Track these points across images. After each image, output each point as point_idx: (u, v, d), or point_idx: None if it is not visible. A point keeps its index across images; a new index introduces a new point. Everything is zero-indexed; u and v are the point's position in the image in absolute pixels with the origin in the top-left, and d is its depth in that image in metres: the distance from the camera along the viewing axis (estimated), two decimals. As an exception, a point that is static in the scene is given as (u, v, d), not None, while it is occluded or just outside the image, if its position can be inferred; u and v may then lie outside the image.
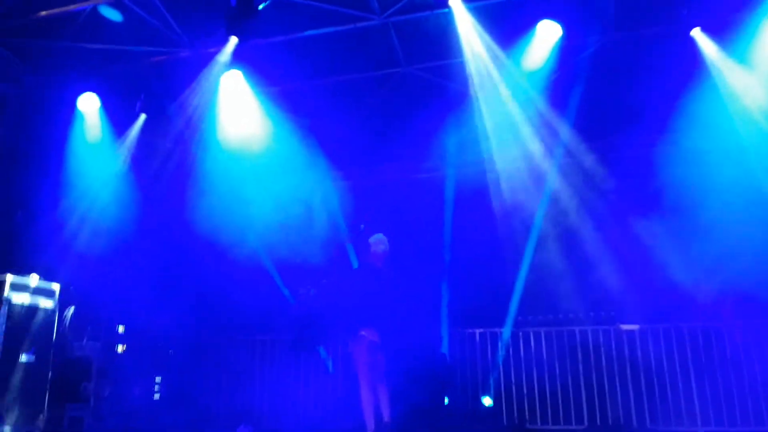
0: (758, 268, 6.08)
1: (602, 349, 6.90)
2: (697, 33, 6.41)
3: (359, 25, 6.45)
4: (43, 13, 6.19)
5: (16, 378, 5.66)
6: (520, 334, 7.23)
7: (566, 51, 6.61)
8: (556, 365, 6.98)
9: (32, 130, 6.88)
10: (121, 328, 6.98)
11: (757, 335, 6.38)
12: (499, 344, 7.22)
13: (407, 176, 8.13)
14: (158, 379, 7.12)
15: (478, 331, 7.36)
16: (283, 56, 6.76)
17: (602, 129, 7.31)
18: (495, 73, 6.75)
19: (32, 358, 5.86)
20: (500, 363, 7.17)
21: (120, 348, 6.94)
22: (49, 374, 5.99)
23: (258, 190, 7.48)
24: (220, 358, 7.35)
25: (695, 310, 6.58)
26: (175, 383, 7.18)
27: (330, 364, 7.40)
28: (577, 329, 7.07)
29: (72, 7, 6.18)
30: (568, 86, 6.94)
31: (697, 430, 6.36)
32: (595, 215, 7.33)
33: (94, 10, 6.27)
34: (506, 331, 7.26)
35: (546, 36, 6.46)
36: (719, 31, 6.32)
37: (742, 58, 6.34)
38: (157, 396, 7.06)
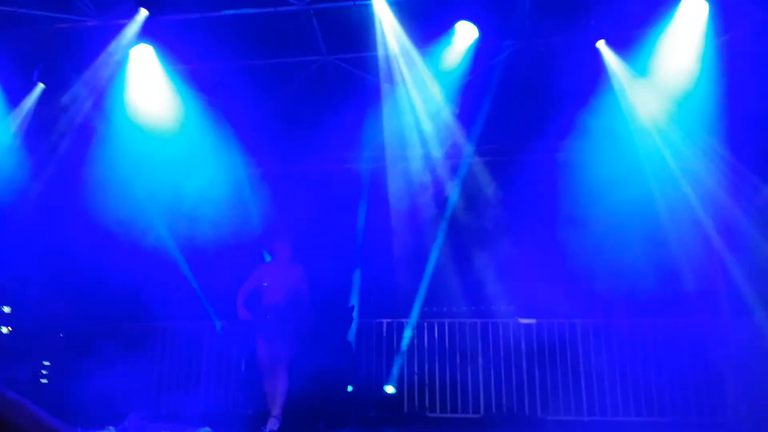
0: (647, 270, 6.59)
1: (501, 341, 7.27)
2: (601, 45, 6.79)
3: (279, 9, 6.35)
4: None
5: None
6: (425, 324, 7.49)
7: (480, 54, 6.81)
8: (457, 355, 7.30)
9: None
10: (6, 309, 6.63)
11: (641, 333, 6.95)
12: (404, 334, 7.44)
13: (322, 167, 8.15)
14: (46, 363, 6.82)
15: (385, 321, 7.54)
16: (198, 35, 6.53)
17: (509, 133, 7.62)
18: (409, 71, 6.86)
19: None
20: (404, 352, 7.40)
21: (5, 329, 6.59)
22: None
23: (164, 172, 7.22)
24: (116, 343, 7.10)
25: (587, 308, 7.06)
26: (65, 368, 6.88)
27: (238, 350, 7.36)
28: (478, 321, 7.41)
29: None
30: (479, 89, 7.16)
31: (583, 419, 6.84)
32: (498, 215, 7.65)
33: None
34: (411, 322, 7.49)
35: (462, 37, 6.62)
36: (622, 45, 6.71)
37: (641, 72, 6.76)
38: (44, 381, 6.76)
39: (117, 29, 6.36)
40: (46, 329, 6.94)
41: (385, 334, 7.51)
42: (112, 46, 6.44)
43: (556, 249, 7.08)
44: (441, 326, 7.45)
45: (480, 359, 7.24)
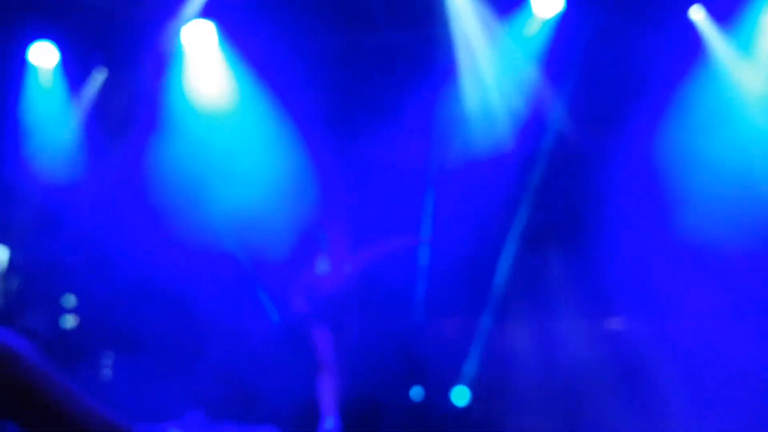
0: (752, 263, 6.05)
1: (587, 345, 6.82)
2: (697, 13, 6.32)
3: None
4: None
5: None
6: (501, 326, 7.12)
7: (564, 27, 6.49)
8: (536, 360, 6.89)
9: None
10: (70, 301, 6.81)
11: (747, 336, 6.24)
12: (479, 337, 7.09)
13: (388, 153, 7.93)
14: (108, 357, 6.93)
15: (456, 320, 7.28)
16: (258, 13, 6.55)
17: (600, 112, 7.19)
18: (486, 46, 6.60)
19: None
20: (478, 357, 7.04)
21: (69, 322, 6.78)
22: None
23: (226, 162, 7.18)
24: (175, 339, 7.13)
25: (684, 308, 6.45)
26: (127, 363, 6.96)
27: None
28: (561, 323, 6.96)
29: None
30: (565, 65, 6.80)
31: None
32: (585, 202, 7.21)
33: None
34: (486, 323, 7.12)
35: (544, 9, 6.35)
36: (721, 15, 6.29)
37: (744, 45, 6.33)
38: (105, 375, 6.86)
39: (177, 9, 6.41)
40: (107, 324, 7.04)
41: (456, 336, 7.22)
42: (172, 27, 6.51)
43: (646, 241, 6.57)
44: (519, 329, 7.14)
45: (564, 365, 6.81)
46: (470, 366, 7.03)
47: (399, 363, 6.87)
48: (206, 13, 6.31)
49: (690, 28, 6.41)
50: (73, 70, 7.00)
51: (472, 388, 6.98)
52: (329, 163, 7.58)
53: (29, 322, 6.56)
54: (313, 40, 6.99)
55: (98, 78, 7.06)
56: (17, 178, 6.78)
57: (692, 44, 6.41)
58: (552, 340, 6.93)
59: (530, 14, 6.42)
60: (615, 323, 7.00)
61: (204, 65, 6.92)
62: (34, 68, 6.84)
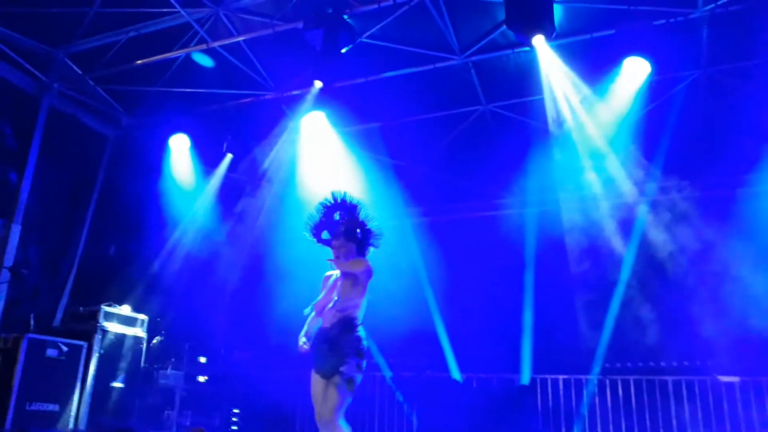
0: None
1: (698, 401, 6.82)
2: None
3: (439, 65, 6.88)
4: (140, 61, 7.03)
5: (108, 401, 6.37)
6: (608, 382, 7.23)
7: (655, 87, 6.78)
8: (647, 416, 6.95)
9: (128, 168, 7.73)
10: (202, 360, 7.57)
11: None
12: (585, 392, 7.25)
13: (487, 213, 8.38)
14: (236, 410, 7.63)
15: (562, 377, 7.42)
16: (364, 97, 7.30)
17: (695, 167, 7.34)
18: (580, 111, 6.95)
19: (122, 383, 6.55)
20: (586, 412, 7.17)
21: (201, 378, 7.50)
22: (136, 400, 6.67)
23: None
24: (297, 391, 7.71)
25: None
26: (252, 416, 7.63)
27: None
28: (669, 379, 7.02)
29: (167, 55, 6.99)
30: (658, 123, 7.07)
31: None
32: (689, 258, 7.28)
33: (188, 57, 7.05)
34: (593, 379, 7.28)
35: (633, 73, 6.59)
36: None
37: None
38: (235, 428, 7.56)
39: (293, 100, 7.27)
40: (235, 379, 7.77)
41: (563, 392, 7.36)
42: (289, 115, 7.36)
43: (760, 296, 6.55)
44: (625, 383, 7.16)
45: (674, 422, 6.85)
46: (580, 419, 7.09)
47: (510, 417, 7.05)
48: (320, 102, 7.03)
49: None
50: (205, 156, 8.01)
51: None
52: (436, 223, 8.04)
53: (168, 378, 7.33)
54: (418, 117, 7.61)
55: (224, 163, 8.01)
56: (157, 253, 7.73)
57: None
58: (664, 394, 6.94)
59: (621, 78, 6.66)
60: (727, 377, 6.89)
61: (318, 151, 7.68)
62: (172, 155, 7.92)
